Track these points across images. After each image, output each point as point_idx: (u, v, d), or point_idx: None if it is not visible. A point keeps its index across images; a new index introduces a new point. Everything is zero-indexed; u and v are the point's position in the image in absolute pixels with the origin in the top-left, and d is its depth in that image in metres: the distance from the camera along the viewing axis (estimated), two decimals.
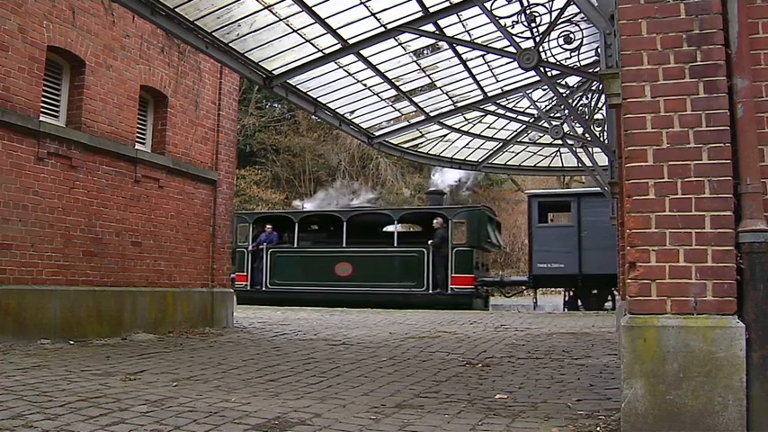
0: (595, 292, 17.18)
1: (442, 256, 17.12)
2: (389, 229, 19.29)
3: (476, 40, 9.05)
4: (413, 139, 13.31)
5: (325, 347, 7.52)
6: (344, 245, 18.09)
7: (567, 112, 10.29)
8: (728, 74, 3.25)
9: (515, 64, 7.88)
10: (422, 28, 8.11)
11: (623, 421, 3.17)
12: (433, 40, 9.30)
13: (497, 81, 11.02)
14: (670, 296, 3.19)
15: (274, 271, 18.25)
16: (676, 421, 3.07)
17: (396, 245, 18.02)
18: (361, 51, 8.70)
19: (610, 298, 17.89)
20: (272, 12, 7.55)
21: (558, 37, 7.33)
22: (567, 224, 17.92)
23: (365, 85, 10.05)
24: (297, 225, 18.55)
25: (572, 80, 11.03)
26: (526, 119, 12.56)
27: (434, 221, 17.61)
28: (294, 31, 7.97)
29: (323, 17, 7.70)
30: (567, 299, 18.14)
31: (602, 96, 9.32)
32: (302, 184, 32.63)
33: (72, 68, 8.17)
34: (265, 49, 8.33)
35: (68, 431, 3.27)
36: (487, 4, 6.99)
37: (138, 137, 9.10)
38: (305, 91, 9.65)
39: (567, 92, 10.80)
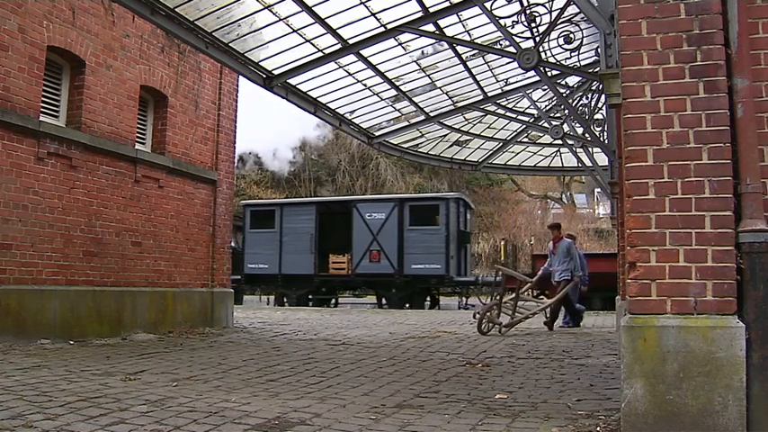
0: (294, 289, 19.45)
1: None
2: None
3: (476, 40, 9.05)
4: (413, 139, 13.32)
5: (325, 347, 7.51)
6: None
7: (567, 112, 10.30)
8: (728, 74, 3.25)
9: (515, 64, 7.88)
10: (422, 28, 8.11)
11: (623, 421, 3.16)
12: (432, 40, 9.29)
13: (497, 81, 11.03)
14: (670, 296, 3.19)
15: None
16: (676, 421, 3.07)
17: None
18: (361, 51, 8.70)
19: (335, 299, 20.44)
20: (272, 12, 7.55)
21: (558, 37, 7.33)
22: (271, 230, 19.80)
23: (365, 85, 10.06)
24: None
25: (572, 80, 11.03)
26: (526, 119, 12.56)
27: None
28: (294, 31, 7.97)
29: (323, 17, 7.70)
30: (276, 296, 20.55)
31: (602, 96, 9.33)
32: (302, 184, 32.62)
33: (72, 68, 8.17)
34: (265, 49, 8.33)
35: (68, 431, 3.27)
36: (487, 4, 6.99)
37: (138, 137, 9.10)
38: (305, 91, 9.65)
39: (567, 92, 10.80)
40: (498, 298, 9.63)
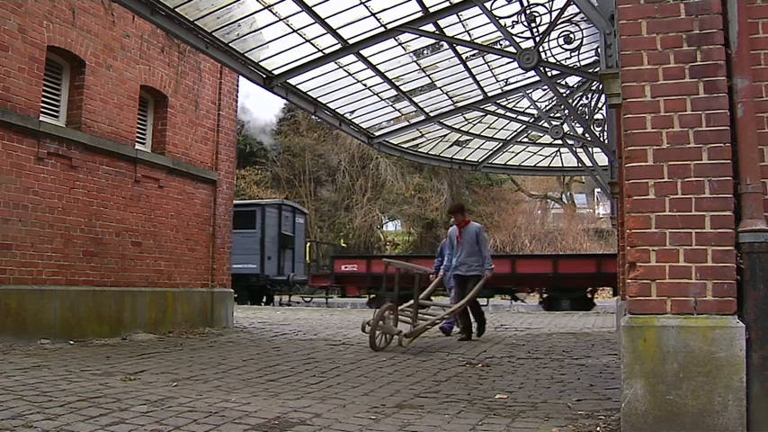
0: None
1: None
2: None
3: (476, 40, 9.05)
4: (413, 139, 13.32)
5: (325, 347, 7.52)
6: None
7: (567, 112, 10.30)
8: (728, 74, 3.25)
9: (515, 64, 7.88)
10: (422, 28, 8.12)
11: (623, 421, 3.17)
12: (432, 40, 9.29)
13: (497, 81, 11.03)
14: (670, 296, 3.19)
15: None
16: (676, 421, 3.07)
17: None
18: (361, 51, 8.70)
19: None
20: (272, 12, 7.56)
21: (558, 37, 7.33)
22: None
23: (365, 85, 10.06)
24: None
25: (572, 80, 11.03)
26: (526, 119, 12.57)
27: None
28: (294, 30, 7.98)
29: (323, 17, 7.70)
30: None
31: (602, 96, 9.33)
32: (302, 184, 32.62)
33: (72, 68, 8.17)
34: (265, 49, 8.33)
35: (68, 431, 3.27)
36: (487, 4, 7.00)
37: (138, 137, 9.10)
38: (305, 91, 9.66)
39: (567, 92, 10.81)
40: (393, 301, 7.70)
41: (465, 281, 8.49)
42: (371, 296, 19.17)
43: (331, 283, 19.46)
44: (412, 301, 7.87)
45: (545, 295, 17.69)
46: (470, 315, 8.63)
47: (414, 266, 8.46)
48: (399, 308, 7.76)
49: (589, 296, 17.54)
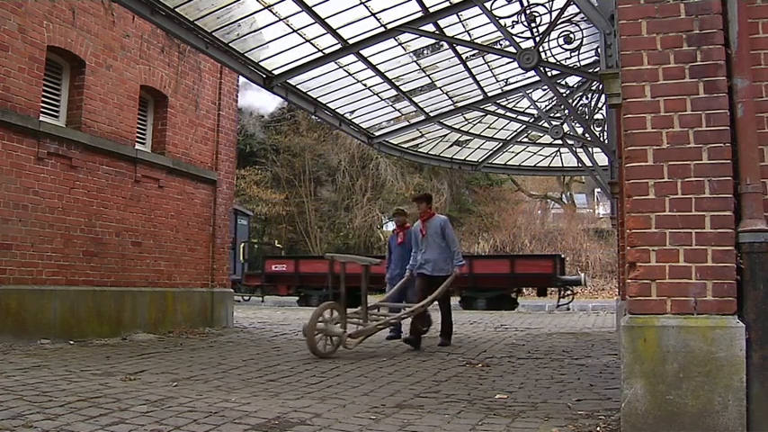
0: None
1: None
2: None
3: (476, 40, 9.05)
4: (413, 139, 13.32)
5: None
6: None
7: (567, 112, 10.30)
8: (728, 74, 3.25)
9: (515, 64, 7.88)
10: (422, 28, 8.12)
11: (623, 421, 3.17)
12: (432, 40, 9.29)
13: (497, 81, 11.03)
14: (670, 296, 3.19)
15: None
16: (676, 421, 3.07)
17: None
18: (361, 51, 8.70)
19: None
20: (272, 12, 7.56)
21: (558, 37, 7.33)
22: None
23: (365, 85, 10.06)
24: None
25: (572, 80, 11.03)
26: (526, 119, 12.57)
27: None
28: (294, 31, 7.98)
29: (323, 17, 7.70)
30: None
31: (602, 96, 9.33)
32: (302, 184, 32.60)
33: (72, 68, 8.17)
34: (265, 49, 8.33)
35: (68, 431, 3.27)
36: (487, 5, 6.99)
37: (138, 137, 9.10)
38: (305, 91, 9.66)
39: (567, 92, 10.80)
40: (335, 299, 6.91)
41: (431, 281, 7.61)
42: (301, 295, 19.31)
43: (262, 282, 19.61)
44: (380, 302, 7.43)
45: (463, 294, 17.88)
46: (423, 319, 7.81)
47: (358, 258, 7.52)
48: (354, 310, 7.06)
49: (512, 296, 17.71)
